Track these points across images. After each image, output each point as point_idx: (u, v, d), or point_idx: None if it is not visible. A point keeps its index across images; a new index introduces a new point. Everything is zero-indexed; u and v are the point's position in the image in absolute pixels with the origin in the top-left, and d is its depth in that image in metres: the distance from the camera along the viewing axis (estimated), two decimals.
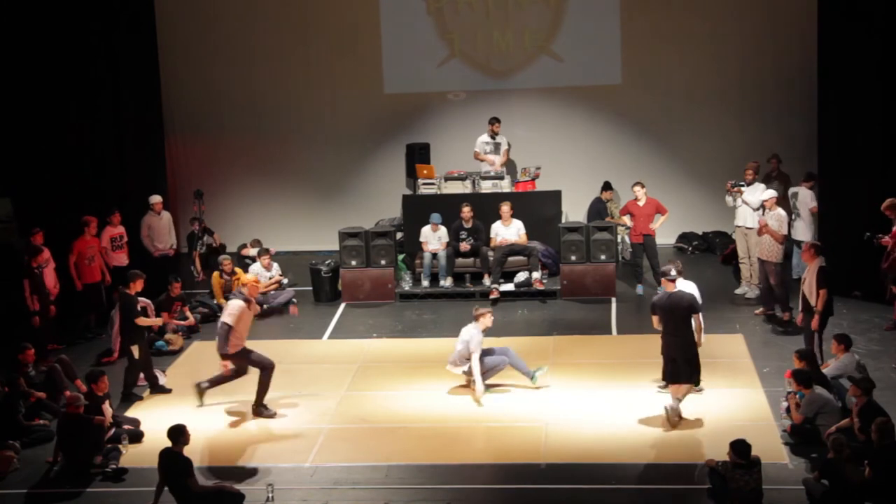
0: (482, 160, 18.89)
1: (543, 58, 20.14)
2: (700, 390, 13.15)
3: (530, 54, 20.17)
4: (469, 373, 13.47)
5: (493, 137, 18.97)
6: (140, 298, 14.37)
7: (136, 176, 19.00)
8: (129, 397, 13.83)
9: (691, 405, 12.80)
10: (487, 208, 17.71)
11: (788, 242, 16.28)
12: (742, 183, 16.69)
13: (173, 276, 16.50)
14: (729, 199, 16.89)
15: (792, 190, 17.36)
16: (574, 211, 18.97)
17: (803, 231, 16.85)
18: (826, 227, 16.75)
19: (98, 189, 18.08)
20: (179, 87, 20.40)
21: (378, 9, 20.11)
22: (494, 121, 18.96)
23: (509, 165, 19.17)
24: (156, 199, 17.92)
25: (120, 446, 12.22)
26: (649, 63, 19.89)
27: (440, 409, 13.25)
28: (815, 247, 13.74)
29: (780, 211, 15.82)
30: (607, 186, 19.04)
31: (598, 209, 18.84)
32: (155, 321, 14.55)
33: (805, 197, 16.99)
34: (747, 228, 16.64)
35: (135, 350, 13.84)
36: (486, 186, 18.18)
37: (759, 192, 16.41)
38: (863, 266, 15.92)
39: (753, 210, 16.42)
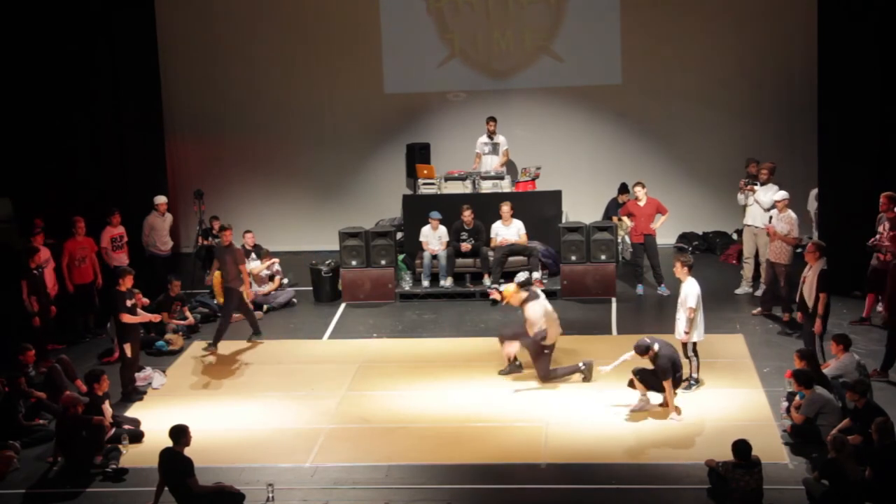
0: (477, 163, 18.88)
1: (543, 58, 20.13)
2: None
3: (530, 54, 20.16)
4: None
5: (490, 137, 18.97)
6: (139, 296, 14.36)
7: (136, 176, 18.98)
8: (129, 397, 13.83)
9: (691, 404, 12.85)
10: (487, 208, 17.70)
11: None
12: (756, 182, 16.67)
13: (173, 275, 16.51)
14: (741, 196, 16.85)
15: (815, 192, 17.35)
16: (574, 211, 18.94)
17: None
18: (826, 227, 16.73)
19: (98, 189, 18.08)
20: (179, 87, 20.38)
21: (378, 9, 20.10)
22: (490, 120, 18.93)
23: (509, 165, 19.15)
24: (160, 199, 17.88)
25: (120, 446, 12.22)
26: (649, 63, 19.87)
27: (440, 409, 13.24)
28: (820, 248, 13.70)
29: (791, 213, 15.74)
30: (623, 189, 18.77)
31: (615, 210, 18.73)
32: (139, 318, 13.99)
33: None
34: (756, 228, 16.60)
35: (127, 348, 13.82)
36: (487, 186, 18.16)
37: (771, 193, 16.33)
38: (863, 266, 15.89)
39: (764, 210, 16.37)
